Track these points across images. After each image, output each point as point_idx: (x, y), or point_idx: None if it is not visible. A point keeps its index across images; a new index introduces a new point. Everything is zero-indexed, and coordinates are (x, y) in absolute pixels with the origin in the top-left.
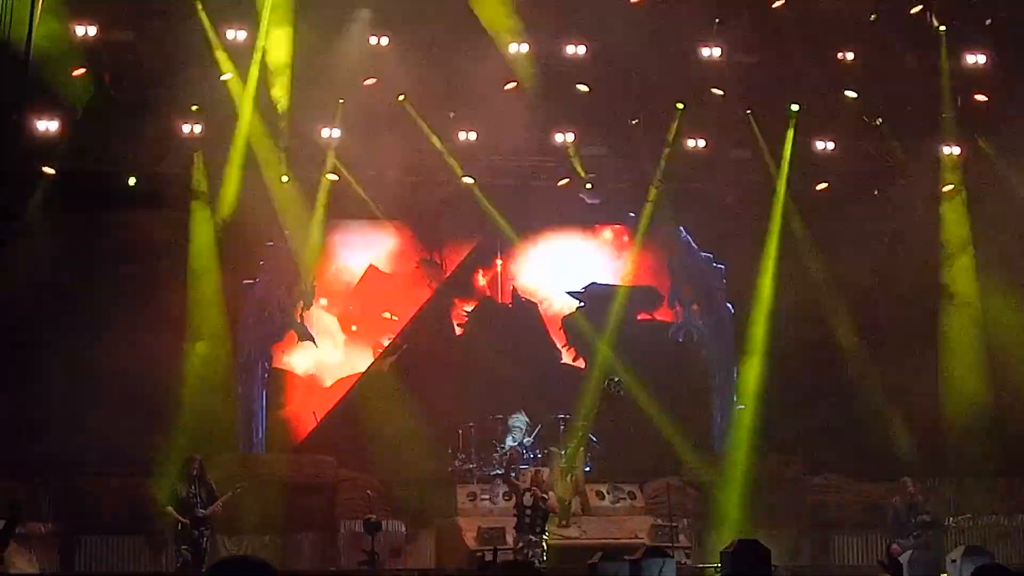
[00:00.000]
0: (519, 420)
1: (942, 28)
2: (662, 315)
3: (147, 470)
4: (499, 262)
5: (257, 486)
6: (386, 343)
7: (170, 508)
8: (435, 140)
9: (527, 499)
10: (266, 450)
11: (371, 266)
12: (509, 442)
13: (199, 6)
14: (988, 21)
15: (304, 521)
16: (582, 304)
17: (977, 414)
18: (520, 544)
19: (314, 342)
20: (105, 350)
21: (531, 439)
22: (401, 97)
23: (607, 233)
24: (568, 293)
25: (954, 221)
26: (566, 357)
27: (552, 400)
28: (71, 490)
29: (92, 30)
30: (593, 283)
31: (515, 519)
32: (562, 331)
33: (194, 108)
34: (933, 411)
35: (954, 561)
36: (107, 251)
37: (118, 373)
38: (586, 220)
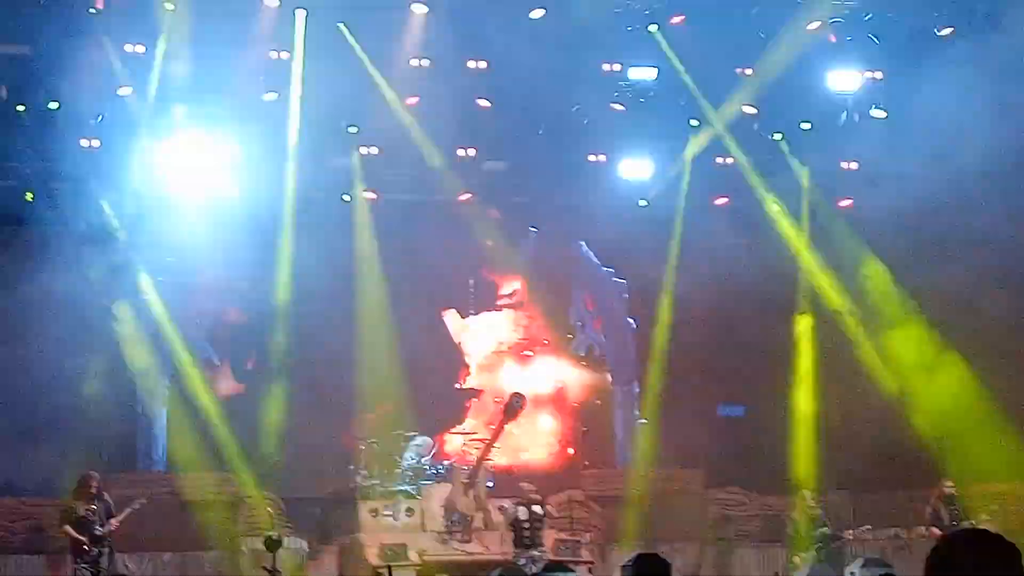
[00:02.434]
0: (422, 440)
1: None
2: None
3: (45, 488)
4: None
5: (157, 504)
6: None
7: (67, 527)
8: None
9: (521, 513)
10: (167, 468)
11: None
12: (409, 459)
13: (98, 20)
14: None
15: (205, 539)
16: None
17: (874, 427)
18: (523, 561)
19: (215, 360)
20: (2, 366)
21: (429, 457)
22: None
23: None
24: None
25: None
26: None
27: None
28: None
29: None
30: None
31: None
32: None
33: (93, 122)
34: (831, 424)
35: (853, 573)
36: (4, 266)
37: (14, 390)
38: (487, 236)
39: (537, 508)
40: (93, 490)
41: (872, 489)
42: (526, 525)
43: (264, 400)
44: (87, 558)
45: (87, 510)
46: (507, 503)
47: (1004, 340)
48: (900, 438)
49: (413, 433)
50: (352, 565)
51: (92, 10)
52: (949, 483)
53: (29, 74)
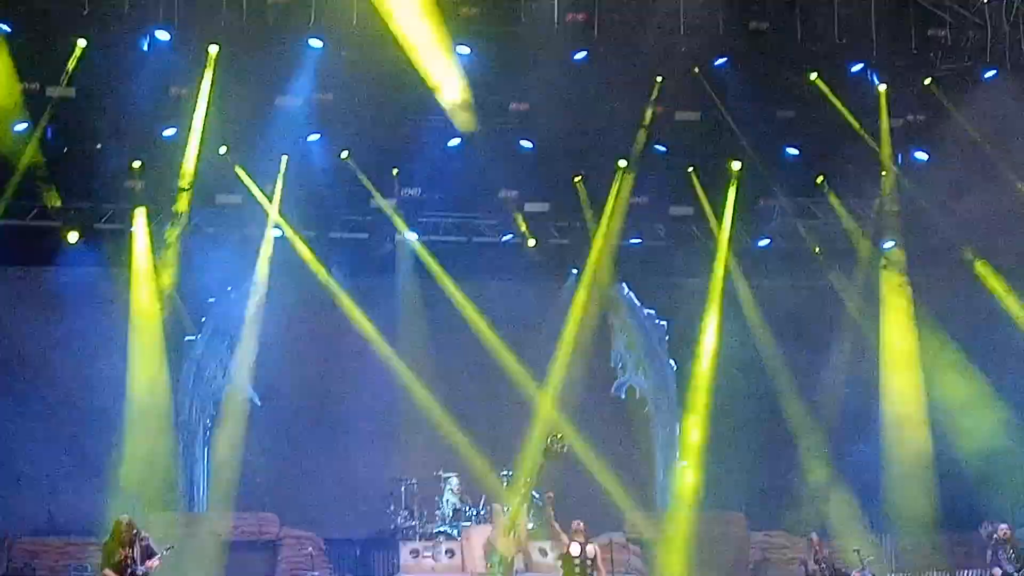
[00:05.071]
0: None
1: (882, 87)
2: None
3: (89, 528)
4: None
5: (198, 544)
6: None
7: (108, 570)
8: (378, 196)
9: (574, 549)
10: (208, 507)
11: None
12: (449, 500)
13: (143, 62)
14: (927, 80)
15: None
16: None
17: (917, 470)
18: None
19: (256, 399)
20: (46, 407)
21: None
22: (344, 153)
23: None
24: None
25: (893, 279)
26: None
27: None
28: (7, 550)
29: (35, 85)
30: None
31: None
32: None
33: (136, 164)
34: (872, 466)
35: None
36: (47, 308)
37: (57, 430)
38: (529, 276)
39: (590, 548)
40: (126, 534)
41: (914, 532)
42: (576, 562)
43: (304, 440)
44: None
45: (125, 554)
46: (546, 544)
47: None
48: (942, 480)
49: (452, 474)
50: None
51: (137, 52)
52: (1004, 526)
53: (74, 116)
